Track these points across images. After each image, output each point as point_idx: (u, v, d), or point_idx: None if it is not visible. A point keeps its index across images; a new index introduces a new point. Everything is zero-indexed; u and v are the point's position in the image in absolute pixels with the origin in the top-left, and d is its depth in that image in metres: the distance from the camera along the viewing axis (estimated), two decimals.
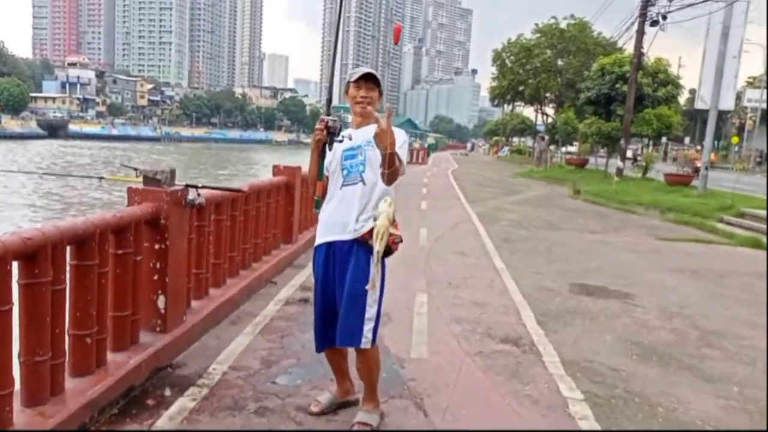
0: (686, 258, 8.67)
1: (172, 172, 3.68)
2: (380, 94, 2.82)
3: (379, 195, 2.74)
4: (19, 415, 2.54)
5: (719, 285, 6.91)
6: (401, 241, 2.80)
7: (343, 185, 2.78)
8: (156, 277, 3.61)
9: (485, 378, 3.72)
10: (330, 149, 2.71)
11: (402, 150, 2.67)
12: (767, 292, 6.32)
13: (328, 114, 2.71)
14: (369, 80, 2.75)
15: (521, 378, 3.74)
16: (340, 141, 2.68)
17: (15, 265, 2.47)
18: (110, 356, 3.21)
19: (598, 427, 3.13)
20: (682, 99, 32.76)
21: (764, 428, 3.15)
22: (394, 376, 3.62)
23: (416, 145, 58.26)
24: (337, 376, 3.15)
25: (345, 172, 2.77)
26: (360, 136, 2.77)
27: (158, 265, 3.61)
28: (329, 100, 2.80)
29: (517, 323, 4.90)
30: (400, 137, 2.68)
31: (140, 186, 3.59)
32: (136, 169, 3.71)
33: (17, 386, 2.56)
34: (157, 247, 3.59)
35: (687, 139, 59.56)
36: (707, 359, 4.32)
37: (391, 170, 2.56)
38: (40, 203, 18.26)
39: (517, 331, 4.67)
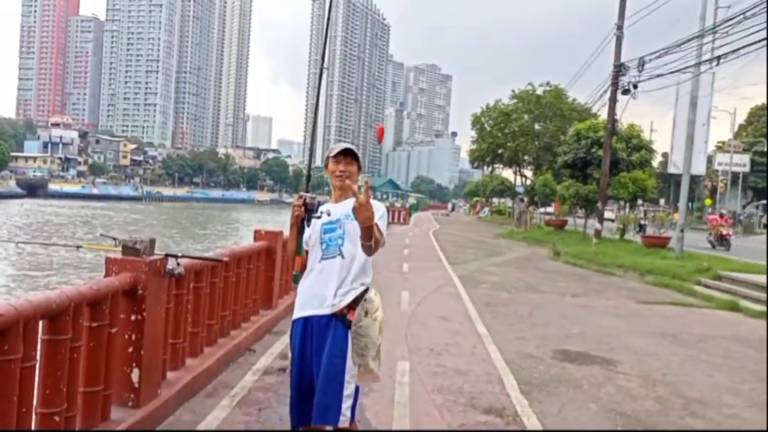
0: (666, 322, 8.70)
1: (152, 242, 3.65)
2: (359, 168, 2.87)
3: (359, 268, 2.74)
4: None
5: (700, 350, 6.92)
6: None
7: (321, 259, 2.78)
8: (131, 350, 3.52)
9: None
10: (308, 225, 2.74)
11: (381, 221, 2.70)
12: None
13: (307, 190, 2.75)
14: (348, 155, 2.81)
15: None
16: (318, 217, 2.72)
17: None
18: None
19: None
20: (656, 162, 33.79)
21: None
22: None
23: (398, 204, 58.70)
24: None
25: (324, 245, 2.78)
26: (339, 209, 2.79)
27: (134, 337, 3.52)
28: (308, 177, 2.85)
29: (501, 393, 4.82)
30: (379, 210, 2.71)
31: (119, 255, 3.56)
32: (114, 239, 3.67)
33: None
34: (133, 318, 3.52)
35: (662, 201, 60.95)
36: (692, 430, 4.27)
37: (370, 242, 2.57)
38: (18, 268, 17.86)
39: (501, 401, 4.60)
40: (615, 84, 20.41)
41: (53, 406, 2.84)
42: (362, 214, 2.45)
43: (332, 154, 2.82)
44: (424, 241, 23.40)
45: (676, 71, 16.27)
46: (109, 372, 3.34)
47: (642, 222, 29.08)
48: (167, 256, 3.78)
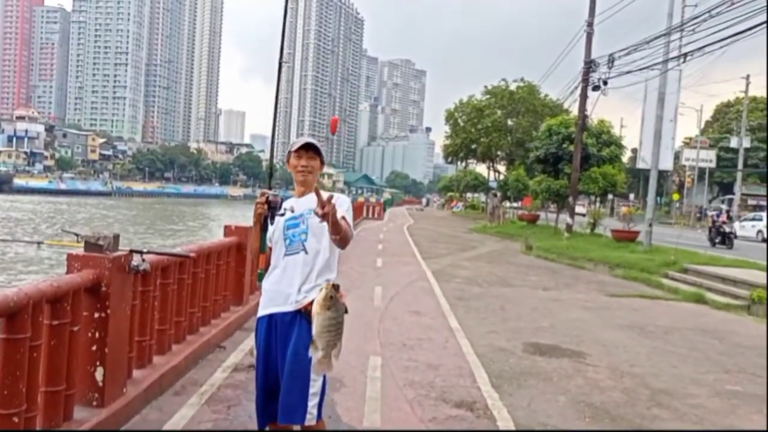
0: (634, 314, 8.86)
1: (116, 237, 3.57)
2: (321, 162, 2.85)
3: (322, 263, 2.72)
4: None
5: (666, 342, 7.06)
6: (346, 311, 2.75)
7: (285, 255, 2.74)
8: (94, 348, 3.44)
9: None
10: (272, 223, 2.72)
11: (348, 214, 2.69)
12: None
13: (270, 187, 2.73)
14: (310, 149, 2.77)
15: None
16: (282, 214, 2.70)
17: None
18: None
19: None
20: (625, 158, 34.39)
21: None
22: None
23: (372, 199, 58.69)
24: None
25: (287, 241, 2.74)
26: (302, 204, 2.76)
27: (97, 335, 3.44)
28: (270, 174, 2.82)
29: (472, 386, 4.85)
30: (344, 203, 2.70)
31: (81, 252, 3.46)
32: (77, 234, 3.58)
33: None
34: (96, 315, 3.43)
35: (632, 196, 62.09)
36: (657, 419, 4.35)
37: (340, 236, 2.55)
38: None
39: (472, 395, 4.62)
40: (585, 80, 20.70)
41: (12, 406, 2.75)
42: (326, 218, 2.41)
43: (293, 149, 2.79)
44: (399, 236, 23.43)
45: (645, 68, 16.58)
46: (72, 371, 3.26)
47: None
48: (132, 252, 3.69)
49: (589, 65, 20.73)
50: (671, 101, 17.22)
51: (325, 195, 2.47)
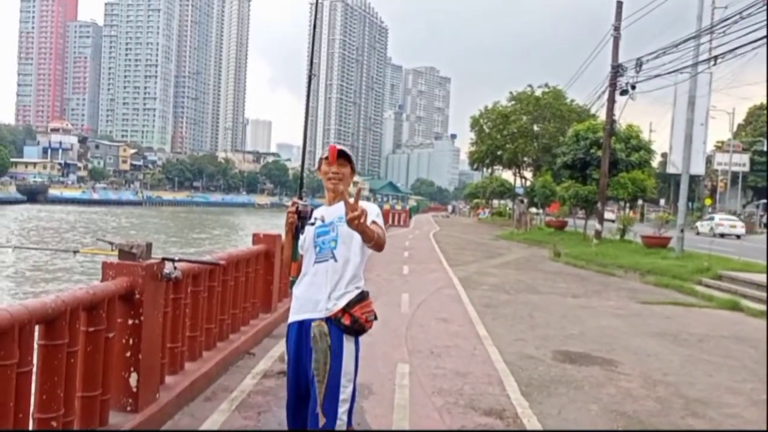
0: (667, 322, 8.68)
1: (148, 246, 3.64)
2: (352, 170, 2.85)
3: (352, 271, 2.73)
4: None
5: (701, 350, 6.90)
6: (375, 318, 2.78)
7: (315, 262, 2.76)
8: (128, 354, 3.51)
9: None
10: (302, 232, 2.76)
11: (378, 218, 2.71)
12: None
13: (300, 196, 2.76)
14: (340, 157, 2.79)
15: None
16: (312, 224, 2.74)
17: None
18: None
19: None
20: (655, 162, 33.81)
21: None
22: None
23: (398, 207, 58.72)
24: None
25: (317, 249, 2.77)
26: (333, 212, 2.77)
27: (131, 342, 3.51)
28: (301, 183, 2.85)
29: (501, 394, 4.81)
30: (372, 211, 2.72)
31: (115, 260, 3.54)
32: (111, 243, 3.66)
33: None
34: (130, 322, 3.51)
35: (662, 201, 60.96)
36: (692, 430, 4.25)
37: (373, 242, 2.58)
38: (19, 272, 17.85)
39: (501, 403, 4.58)
40: (613, 85, 20.45)
41: (50, 411, 2.82)
42: (353, 224, 2.43)
43: (324, 156, 2.81)
44: (424, 243, 23.38)
45: (674, 71, 16.32)
46: (107, 377, 3.32)
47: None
48: (164, 260, 3.76)
49: (617, 69, 20.47)
50: (702, 104, 16.89)
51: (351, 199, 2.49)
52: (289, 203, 2.80)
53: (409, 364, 5.51)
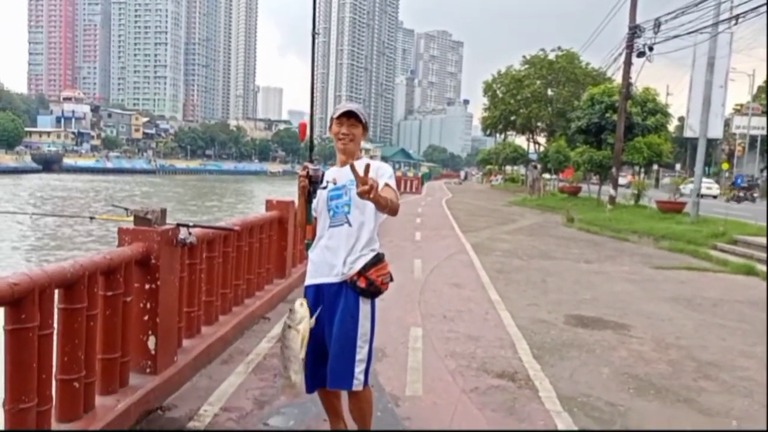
0: (681, 286, 8.66)
1: (163, 212, 3.67)
2: (364, 129, 2.81)
3: (367, 235, 2.74)
4: None
5: (714, 314, 6.89)
6: (391, 279, 2.80)
7: (330, 226, 2.77)
8: (146, 318, 3.57)
9: (481, 415, 3.67)
10: (314, 196, 2.76)
11: (391, 180, 2.71)
12: (767, 315, 6.30)
13: (311, 160, 2.75)
14: (351, 117, 2.76)
15: (518, 414, 3.69)
16: (324, 187, 2.73)
17: (1, 310, 2.44)
18: (98, 400, 3.14)
19: None
20: (672, 126, 33.22)
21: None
22: (389, 415, 3.56)
23: (410, 174, 58.52)
24: (330, 416, 3.09)
25: (331, 213, 2.77)
26: (345, 174, 2.73)
27: (149, 306, 3.57)
28: (311, 146, 2.82)
29: (513, 357, 4.85)
30: (386, 172, 2.71)
31: (131, 226, 3.58)
32: (126, 209, 3.69)
33: None
34: (147, 287, 3.56)
35: (678, 166, 60.15)
36: (705, 392, 4.28)
37: (387, 209, 2.57)
38: (36, 241, 18.13)
39: (513, 366, 4.63)
40: (630, 47, 20.00)
41: (72, 372, 2.90)
42: (365, 198, 2.41)
43: (335, 116, 2.78)
44: (437, 210, 23.36)
45: (693, 32, 15.90)
46: (126, 339, 3.40)
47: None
48: (179, 225, 3.80)
49: (634, 30, 19.98)
50: (721, 66, 16.48)
51: (360, 165, 2.46)
52: (300, 171, 2.80)
53: (422, 328, 5.57)
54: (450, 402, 3.84)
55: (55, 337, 2.79)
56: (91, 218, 4.35)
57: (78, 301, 2.90)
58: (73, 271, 2.84)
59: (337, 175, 2.79)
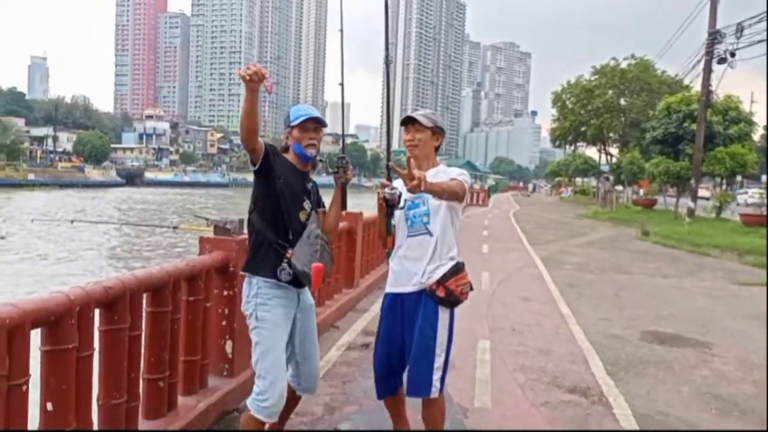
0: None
1: (241, 222, 3.84)
2: (434, 133, 2.83)
3: (447, 243, 2.78)
4: None
5: None
6: (471, 289, 2.83)
7: (408, 236, 2.81)
8: (224, 323, 3.74)
9: (552, 430, 3.60)
10: (392, 217, 2.79)
11: (461, 177, 2.74)
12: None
13: (389, 178, 2.79)
14: (415, 122, 2.80)
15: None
16: (401, 208, 2.76)
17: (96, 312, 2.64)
18: (180, 400, 3.32)
19: None
20: (757, 135, 31.37)
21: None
22: (457, 426, 3.56)
23: (476, 186, 57.98)
24: (395, 423, 3.12)
25: (409, 222, 2.81)
26: None
27: (226, 311, 3.74)
28: (388, 168, 2.82)
29: (586, 372, 4.73)
30: (457, 170, 2.80)
31: (211, 235, 3.77)
32: (207, 219, 3.90)
33: (95, 427, 2.68)
34: (225, 293, 3.73)
35: (765, 177, 56.53)
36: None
37: (445, 195, 2.60)
38: (119, 250, 19.24)
39: (586, 381, 4.51)
40: (710, 53, 19.14)
41: (158, 372, 3.07)
42: (417, 192, 2.44)
43: (401, 125, 2.85)
44: (504, 223, 23.03)
45: None
46: (206, 343, 3.57)
47: None
48: None
49: (714, 36, 19.11)
50: None
51: (432, 173, 2.55)
52: (375, 184, 2.86)
53: (490, 341, 5.52)
54: (519, 415, 3.79)
55: (142, 339, 2.98)
56: (174, 228, 4.62)
57: (164, 304, 3.08)
58: (160, 276, 3.02)
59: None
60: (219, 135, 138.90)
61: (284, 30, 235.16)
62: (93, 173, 78.98)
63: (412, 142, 2.80)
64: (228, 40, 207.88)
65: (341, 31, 3.01)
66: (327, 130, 3.07)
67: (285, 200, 2.71)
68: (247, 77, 2.35)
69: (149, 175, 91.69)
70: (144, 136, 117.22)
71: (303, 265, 2.66)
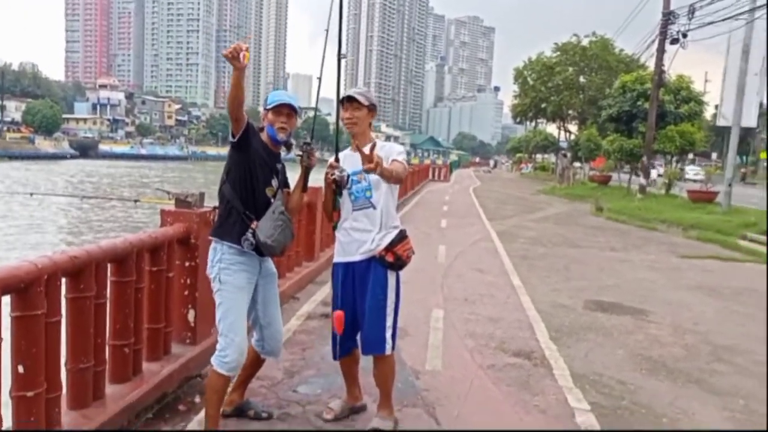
0: (706, 275, 8.70)
1: (201, 195, 3.96)
2: (369, 110, 3.03)
3: (389, 213, 3.03)
4: (66, 416, 2.80)
5: (737, 302, 6.96)
6: (413, 253, 3.07)
7: (353, 209, 3.04)
8: (186, 293, 3.88)
9: (496, 389, 3.89)
10: (340, 195, 3.03)
11: (400, 156, 3.01)
12: (767, 301, 6.36)
13: (337, 159, 3.04)
14: (353, 101, 2.99)
15: (531, 389, 3.90)
16: (349, 188, 3.00)
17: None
18: (145, 365, 3.46)
19: None
20: (708, 114, 32.51)
21: (764, 428, 3.24)
22: (409, 387, 3.81)
23: (438, 162, 58.38)
24: (347, 382, 3.35)
25: (352, 197, 3.04)
26: (358, 159, 2.91)
27: (188, 281, 3.88)
28: (337, 147, 3.07)
29: (530, 338, 5.05)
30: (396, 149, 3.04)
31: (172, 208, 3.88)
32: (168, 192, 3.99)
33: (63, 391, 2.82)
34: (187, 264, 3.86)
35: (714, 155, 58.70)
36: (716, 374, 4.42)
37: (392, 179, 2.89)
38: (75, 224, 18.87)
39: (530, 346, 4.83)
40: (663, 33, 19.69)
41: (123, 339, 3.21)
42: (372, 173, 2.70)
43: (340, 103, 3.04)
44: (464, 198, 23.46)
45: (729, 18, 15.60)
46: (169, 312, 3.71)
47: None
48: (215, 208, 4.08)
49: (668, 17, 19.66)
50: (757, 53, 16.14)
51: (367, 147, 2.74)
52: (328, 163, 3.05)
53: (443, 310, 5.80)
54: (467, 376, 4.08)
55: (108, 307, 3.11)
56: (136, 201, 4.69)
57: (128, 274, 3.20)
58: (124, 247, 3.14)
59: (350, 159, 3.03)
60: (177, 106, 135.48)
61: None
62: (44, 144, 76.12)
63: (351, 119, 3.01)
64: (185, 8, 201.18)
65: (327, 30, 3.14)
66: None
67: (256, 175, 2.91)
68: (229, 55, 2.56)
69: (104, 147, 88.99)
70: (98, 107, 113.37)
71: (266, 237, 2.85)
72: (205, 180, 47.58)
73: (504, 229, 13.14)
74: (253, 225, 2.88)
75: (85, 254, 2.82)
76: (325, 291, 6.31)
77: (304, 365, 4.16)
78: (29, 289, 2.45)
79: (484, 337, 5.01)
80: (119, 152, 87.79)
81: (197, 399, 3.50)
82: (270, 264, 3.13)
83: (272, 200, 2.96)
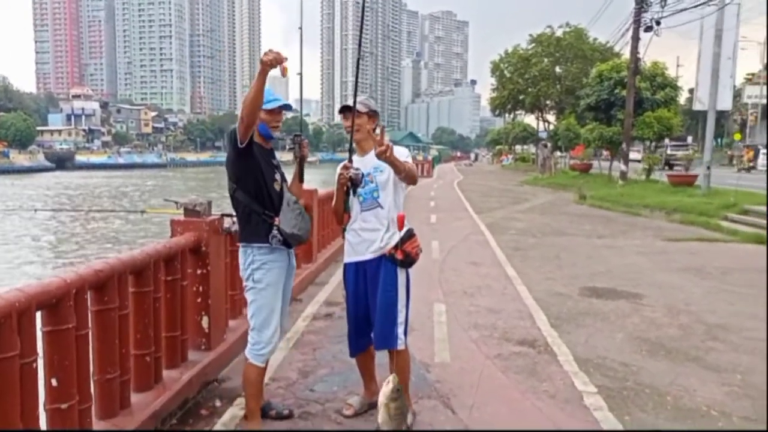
0: (691, 257, 8.94)
1: (209, 203, 4.03)
2: (370, 116, 3.17)
3: (395, 213, 3.12)
4: (96, 426, 2.87)
5: (724, 281, 7.19)
6: (421, 250, 3.18)
7: (362, 210, 3.16)
8: (199, 300, 3.95)
9: (505, 378, 4.02)
10: (354, 194, 3.12)
11: (408, 159, 3.11)
12: (767, 284, 6.59)
13: (350, 160, 3.12)
14: (350, 110, 3.11)
15: (538, 376, 4.04)
16: (363, 187, 3.11)
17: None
18: (165, 373, 3.53)
19: (612, 417, 3.41)
20: (683, 99, 33.09)
21: (764, 428, 3.39)
22: (421, 380, 3.93)
23: (420, 157, 58.58)
24: (365, 378, 3.46)
25: (361, 199, 3.15)
26: (367, 162, 3.13)
27: (201, 289, 3.95)
28: (350, 149, 3.16)
29: (532, 327, 5.20)
30: (403, 153, 3.10)
31: (181, 217, 3.95)
32: (176, 202, 4.06)
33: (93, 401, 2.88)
34: (199, 272, 3.94)
35: (690, 138, 59.66)
36: (712, 351, 4.60)
37: (404, 173, 3.01)
38: (83, 236, 18.68)
39: (532, 334, 4.98)
40: (637, 21, 20.02)
41: (144, 348, 3.28)
42: (386, 159, 2.82)
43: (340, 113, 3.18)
44: (450, 193, 23.65)
45: (700, 4, 15.96)
46: (184, 320, 3.78)
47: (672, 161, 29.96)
48: (223, 216, 4.16)
49: (641, 5, 20.00)
50: (729, 38, 16.51)
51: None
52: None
53: (444, 304, 5.93)
54: (476, 367, 4.20)
55: (129, 317, 3.17)
56: (142, 212, 4.73)
57: (146, 285, 3.27)
58: (142, 258, 3.21)
59: (360, 164, 3.14)
60: (153, 113, 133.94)
61: (216, 1, 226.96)
62: (19, 158, 74.77)
63: (354, 128, 3.11)
64: (157, 13, 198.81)
65: (301, 29, 3.25)
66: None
67: (263, 175, 3.03)
68: (269, 62, 2.65)
69: (81, 158, 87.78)
70: (72, 117, 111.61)
71: (291, 228, 3.03)
72: (186, 186, 47.28)
73: (493, 222, 13.31)
74: (276, 221, 3.01)
75: (108, 267, 2.89)
76: (327, 291, 6.41)
77: (317, 365, 4.25)
78: (60, 304, 2.52)
79: (487, 328, 5.15)
80: (97, 162, 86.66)
81: (218, 403, 3.58)
82: (294, 257, 3.28)
83: (282, 193, 3.09)
